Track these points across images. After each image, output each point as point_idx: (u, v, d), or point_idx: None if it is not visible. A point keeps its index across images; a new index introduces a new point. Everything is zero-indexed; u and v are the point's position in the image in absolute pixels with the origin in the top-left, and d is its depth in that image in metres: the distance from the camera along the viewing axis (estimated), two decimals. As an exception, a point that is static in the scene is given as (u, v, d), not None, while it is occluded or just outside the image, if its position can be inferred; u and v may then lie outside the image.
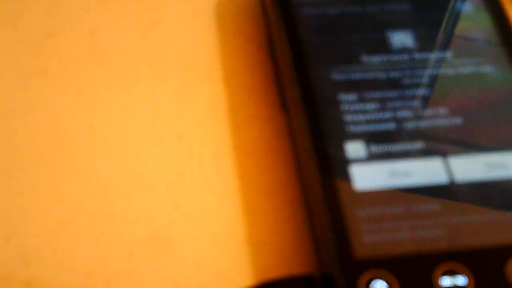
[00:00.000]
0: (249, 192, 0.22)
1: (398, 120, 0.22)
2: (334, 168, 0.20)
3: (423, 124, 0.22)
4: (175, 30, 0.26)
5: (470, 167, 0.21)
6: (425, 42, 0.24)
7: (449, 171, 0.21)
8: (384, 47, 0.23)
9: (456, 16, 0.25)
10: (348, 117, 0.22)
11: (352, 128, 0.21)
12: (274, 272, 0.20)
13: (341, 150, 0.21)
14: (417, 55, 0.23)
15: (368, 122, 0.22)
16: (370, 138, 0.21)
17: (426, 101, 0.22)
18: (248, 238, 0.21)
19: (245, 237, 0.21)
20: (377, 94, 0.22)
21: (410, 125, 0.22)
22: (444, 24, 0.24)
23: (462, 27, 0.24)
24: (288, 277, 0.19)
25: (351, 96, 0.22)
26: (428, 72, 0.23)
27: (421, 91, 0.22)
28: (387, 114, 0.22)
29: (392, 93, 0.22)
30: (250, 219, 0.21)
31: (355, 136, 0.21)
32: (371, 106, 0.22)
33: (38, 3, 0.26)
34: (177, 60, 0.25)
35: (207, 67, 0.25)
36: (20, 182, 0.22)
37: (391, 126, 0.22)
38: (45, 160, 0.22)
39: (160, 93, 0.24)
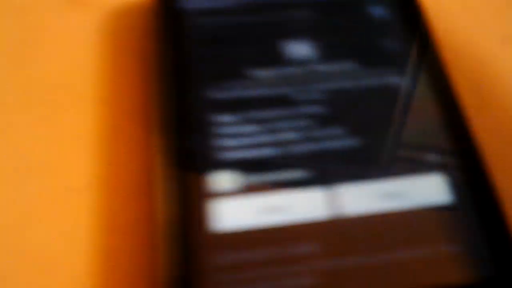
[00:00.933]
0: (107, 232, 0.19)
1: (281, 144, 0.18)
2: (191, 204, 0.17)
3: (310, 148, 0.18)
4: (54, 48, 0.23)
5: (359, 199, 0.17)
6: (327, 52, 0.20)
7: (333, 204, 0.17)
8: (277, 59, 0.20)
9: (365, 22, 0.21)
10: (222, 142, 0.18)
11: (224, 155, 0.18)
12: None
13: (205, 182, 0.18)
14: (315, 67, 0.20)
15: (244, 147, 0.18)
16: (244, 166, 0.18)
17: (317, 121, 0.19)
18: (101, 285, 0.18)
19: (97, 284, 0.18)
20: (261, 114, 0.19)
21: (294, 150, 0.18)
22: (349, 31, 0.21)
23: (371, 34, 0.21)
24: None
25: (230, 118, 0.19)
26: (325, 86, 0.20)
27: (313, 109, 0.19)
28: (269, 137, 0.19)
29: (279, 112, 0.19)
30: (104, 264, 0.18)
31: (225, 165, 0.18)
32: (251, 128, 0.19)
33: None
34: (52, 82, 0.22)
35: (87, 89, 0.22)
36: None
37: (271, 151, 0.18)
38: None
39: (24, 119, 0.21)
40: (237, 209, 0.17)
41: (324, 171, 0.18)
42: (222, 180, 0.18)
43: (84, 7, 0.24)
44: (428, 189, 0.18)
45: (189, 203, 0.17)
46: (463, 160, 0.18)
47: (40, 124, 0.21)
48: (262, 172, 0.18)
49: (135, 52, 0.23)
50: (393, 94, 0.19)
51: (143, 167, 0.20)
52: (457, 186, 0.18)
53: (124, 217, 0.19)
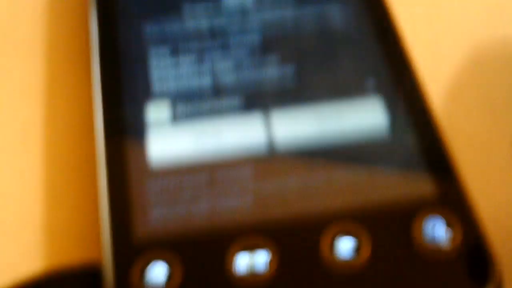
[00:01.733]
0: (53, 174, 0.19)
1: (215, 73, 0.18)
2: (126, 134, 0.17)
3: (245, 75, 0.18)
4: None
5: (296, 121, 0.17)
6: (263, -17, 0.20)
7: (269, 128, 0.17)
8: (212, -8, 0.20)
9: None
10: (155, 74, 0.18)
11: (158, 86, 0.18)
12: (69, 259, 0.17)
13: (139, 112, 0.17)
14: (251, -2, 0.20)
15: (179, 77, 0.18)
16: (178, 96, 0.18)
17: (254, 49, 0.19)
18: (45, 223, 0.18)
19: (41, 222, 0.18)
20: (195, 45, 0.19)
21: (229, 78, 0.18)
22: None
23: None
24: (70, 270, 0.16)
25: (163, 49, 0.19)
26: (262, 15, 0.19)
27: (249, 38, 0.19)
28: (203, 67, 0.18)
29: (214, 42, 0.19)
30: (50, 203, 0.18)
31: (159, 95, 0.18)
32: (185, 59, 0.19)
33: None
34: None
35: (29, 34, 0.22)
36: None
37: (206, 80, 0.18)
38: None
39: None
40: (174, 138, 0.17)
41: (259, 97, 0.18)
42: (159, 110, 0.18)
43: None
44: (364, 113, 0.18)
45: (127, 134, 0.17)
46: (400, 85, 0.18)
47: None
48: (198, 100, 0.18)
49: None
50: (331, 21, 0.19)
51: (83, 108, 0.20)
52: (393, 110, 0.18)
53: (69, 157, 0.19)
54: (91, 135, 0.19)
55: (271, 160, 0.17)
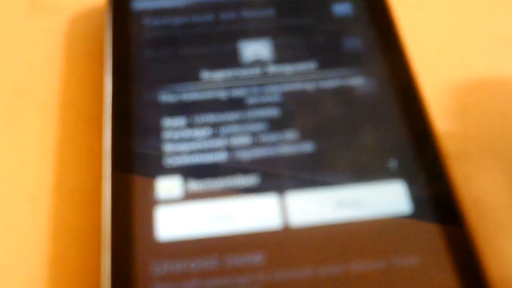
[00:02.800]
0: (59, 241, 0.18)
1: (231, 149, 0.17)
2: (133, 212, 0.16)
3: (262, 153, 0.17)
4: (14, 54, 0.22)
5: (312, 206, 0.16)
6: (284, 53, 0.19)
7: (284, 211, 0.16)
8: (232, 60, 0.19)
9: (327, 20, 0.20)
10: (168, 147, 0.17)
11: (170, 161, 0.17)
12: None
13: (149, 189, 0.17)
14: (271, 68, 0.19)
15: (192, 152, 0.17)
16: (191, 172, 0.17)
17: (272, 124, 0.18)
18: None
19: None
20: (211, 118, 0.18)
21: (245, 155, 0.17)
22: (309, 30, 0.20)
23: (333, 33, 0.20)
24: None
25: (178, 121, 0.18)
26: (281, 88, 0.19)
27: (268, 112, 0.18)
28: (218, 142, 0.18)
29: (230, 116, 0.18)
30: (55, 271, 0.17)
31: (171, 171, 0.17)
32: (200, 132, 0.18)
33: None
34: (10, 86, 0.21)
35: (44, 93, 0.21)
36: None
37: (221, 156, 0.17)
38: None
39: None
40: (183, 216, 0.16)
41: (276, 177, 0.17)
42: (169, 186, 0.17)
43: (44, 11, 0.23)
44: (386, 198, 0.17)
45: (135, 209, 0.16)
46: (424, 168, 0.17)
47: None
48: (211, 178, 0.17)
49: (94, 55, 0.22)
50: (354, 97, 0.18)
51: (97, 173, 0.19)
52: (416, 195, 0.17)
53: (76, 224, 0.18)
54: (99, 203, 0.19)
55: (284, 246, 0.16)
